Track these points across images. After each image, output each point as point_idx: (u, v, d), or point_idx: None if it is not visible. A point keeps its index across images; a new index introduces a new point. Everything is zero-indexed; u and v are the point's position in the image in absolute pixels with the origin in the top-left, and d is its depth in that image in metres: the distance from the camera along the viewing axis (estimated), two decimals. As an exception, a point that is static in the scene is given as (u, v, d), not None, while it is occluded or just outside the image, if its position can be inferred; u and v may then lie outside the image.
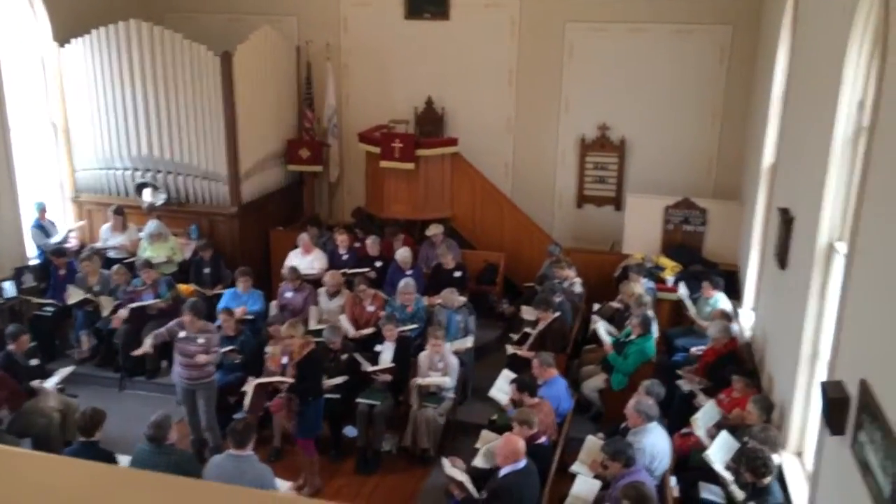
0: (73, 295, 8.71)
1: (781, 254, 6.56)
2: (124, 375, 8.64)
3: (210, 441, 7.22)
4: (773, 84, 8.09)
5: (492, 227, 10.62)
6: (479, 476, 5.87)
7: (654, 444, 5.90)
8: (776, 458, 5.37)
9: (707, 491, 5.65)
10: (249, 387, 6.90)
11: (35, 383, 7.15)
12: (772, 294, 7.25)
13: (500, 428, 6.40)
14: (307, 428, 6.78)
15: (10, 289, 8.96)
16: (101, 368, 8.81)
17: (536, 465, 5.70)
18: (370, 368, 7.48)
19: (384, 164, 10.15)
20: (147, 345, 7.50)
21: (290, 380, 6.76)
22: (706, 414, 6.34)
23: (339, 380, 7.38)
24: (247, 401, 6.81)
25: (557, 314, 8.07)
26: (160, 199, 10.10)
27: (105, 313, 8.69)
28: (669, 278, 9.36)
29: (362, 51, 11.42)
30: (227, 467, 5.38)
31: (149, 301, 8.62)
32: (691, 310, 8.57)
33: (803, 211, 6.06)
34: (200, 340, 7.06)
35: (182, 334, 7.11)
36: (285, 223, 11.07)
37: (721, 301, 8.39)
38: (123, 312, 8.47)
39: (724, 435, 5.80)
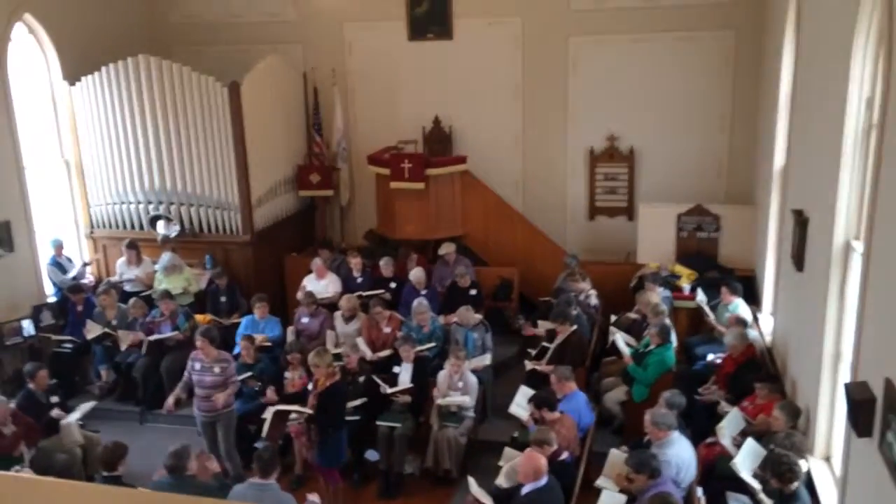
0: (92, 330, 8.76)
1: (798, 256, 6.50)
2: (144, 409, 8.66)
3: (230, 470, 7.19)
4: (779, 86, 8.06)
5: (504, 243, 10.59)
6: (504, 497, 5.82)
7: (679, 454, 5.82)
8: (803, 464, 5.28)
9: (735, 500, 5.55)
10: (268, 413, 6.86)
11: (55, 413, 7.17)
12: (790, 297, 7.17)
13: (523, 445, 6.33)
14: (330, 457, 6.74)
15: (28, 327, 9.04)
16: (122, 402, 8.84)
17: (560, 482, 5.64)
18: (389, 390, 7.44)
19: (394, 185, 10.18)
20: (170, 403, 7.45)
21: (309, 410, 6.69)
22: (731, 422, 6.25)
23: (357, 402, 7.35)
24: (265, 427, 6.77)
25: (575, 327, 8.01)
26: (174, 230, 10.18)
27: (124, 347, 8.73)
28: (686, 286, 9.28)
29: (368, 74, 11.50)
30: (247, 496, 5.35)
31: (167, 333, 8.65)
32: (711, 316, 8.49)
33: (817, 211, 6.01)
34: (216, 370, 7.07)
35: (197, 366, 7.10)
36: (299, 249, 11.11)
37: (740, 307, 8.30)
38: (140, 336, 8.56)
39: (750, 442, 5.71)
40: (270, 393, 7.60)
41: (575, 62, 10.77)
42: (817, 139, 6.11)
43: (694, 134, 10.52)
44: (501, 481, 6.04)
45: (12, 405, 6.93)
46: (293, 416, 7.01)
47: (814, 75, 6.43)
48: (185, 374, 7.27)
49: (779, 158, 8.17)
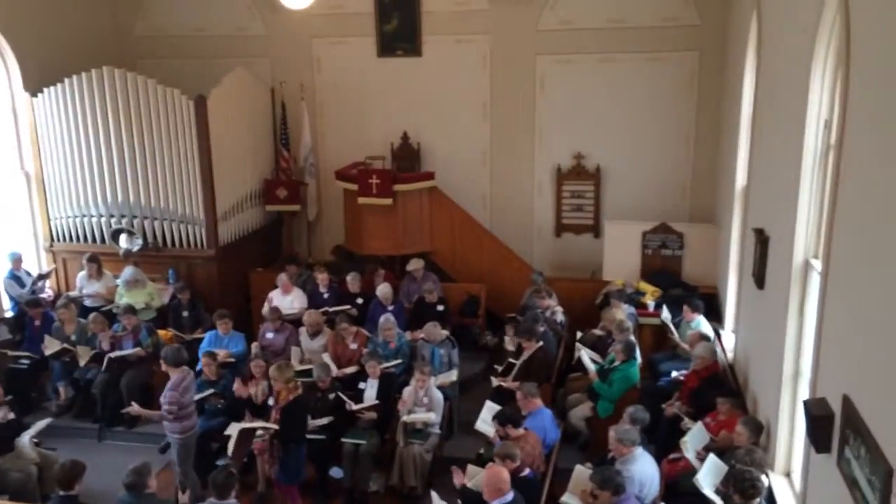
0: (50, 345, 8.56)
1: (759, 274, 6.61)
2: (103, 426, 8.47)
3: (189, 490, 7.00)
4: (741, 107, 8.23)
5: (472, 259, 10.62)
6: (474, 499, 5.78)
7: (643, 470, 5.86)
8: (765, 479, 5.34)
9: (698, 516, 5.59)
10: (234, 431, 6.74)
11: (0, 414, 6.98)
12: (751, 314, 7.29)
13: (488, 461, 6.30)
14: (289, 474, 6.65)
15: (-16, 342, 8.81)
16: (80, 419, 8.63)
17: (524, 498, 5.62)
18: (355, 407, 7.38)
19: (362, 200, 10.16)
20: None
21: (275, 426, 6.61)
22: (695, 436, 6.30)
23: (324, 420, 7.28)
24: (231, 446, 6.66)
25: (541, 343, 8.04)
26: (136, 244, 10.02)
27: (83, 363, 8.54)
28: (650, 303, 9.39)
29: (337, 89, 11.50)
30: (208, 516, 5.25)
31: (129, 350, 8.49)
32: (675, 334, 8.58)
33: (778, 230, 6.12)
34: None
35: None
36: (265, 264, 11.01)
37: (702, 324, 8.41)
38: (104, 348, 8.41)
39: (712, 458, 5.76)
40: (239, 384, 7.35)
41: (542, 80, 10.89)
42: (777, 160, 6.24)
43: (659, 153, 10.68)
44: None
45: (-35, 422, 6.73)
46: (259, 432, 6.91)
47: (774, 97, 6.58)
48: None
49: (740, 178, 8.33)
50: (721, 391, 6.84)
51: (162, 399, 6.79)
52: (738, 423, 6.05)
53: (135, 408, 7.20)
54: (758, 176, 7.34)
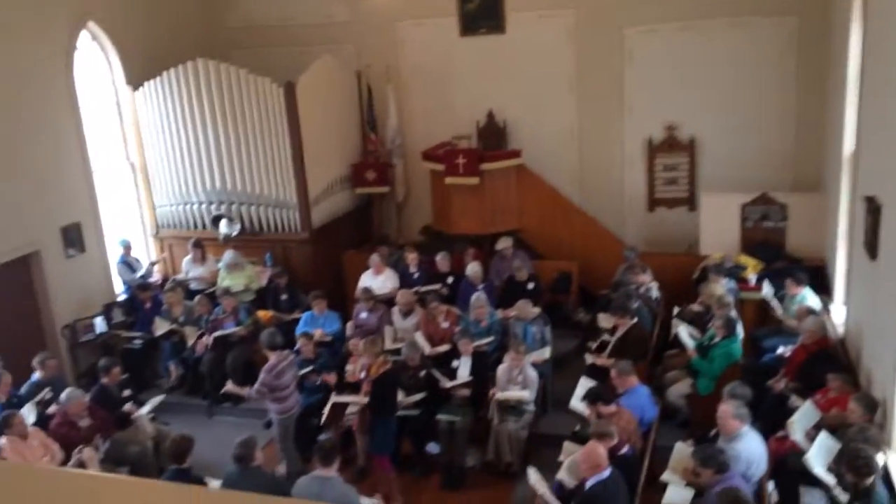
0: (160, 326, 9.01)
1: (871, 244, 6.26)
2: (212, 402, 8.86)
3: (287, 466, 7.26)
4: (847, 69, 7.77)
5: (562, 236, 10.49)
6: (568, 496, 5.77)
7: (749, 448, 5.67)
8: (879, 458, 5.09)
9: (809, 495, 5.40)
10: (328, 404, 6.96)
11: (127, 407, 7.43)
12: (864, 287, 6.91)
13: (583, 439, 6.24)
14: (380, 445, 6.86)
15: (100, 324, 9.36)
16: (190, 396, 9.06)
17: (623, 476, 5.55)
18: (448, 384, 7.46)
19: (449, 180, 10.18)
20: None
21: (365, 399, 6.79)
22: (804, 416, 6.05)
23: (417, 397, 7.39)
24: (324, 414, 6.88)
25: (635, 320, 7.89)
26: (235, 229, 10.39)
27: (190, 343, 8.95)
28: (752, 277, 9.02)
29: (421, 70, 11.53)
30: (311, 488, 5.43)
31: (230, 329, 8.84)
32: (777, 309, 8.24)
33: (891, 197, 5.77)
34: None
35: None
36: (356, 245, 11.21)
37: (808, 298, 8.04)
38: (207, 339, 8.73)
39: (823, 437, 5.53)
40: (329, 377, 7.78)
41: (630, 52, 10.58)
42: (889, 123, 5.86)
43: (757, 120, 10.20)
44: (563, 476, 5.98)
45: (86, 399, 7.17)
46: (350, 408, 7.10)
47: (884, 56, 6.17)
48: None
49: (848, 143, 7.88)
50: (831, 367, 6.54)
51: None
52: (850, 399, 5.77)
53: (230, 386, 7.51)
54: (868, 141, 6.93)
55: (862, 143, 7.23)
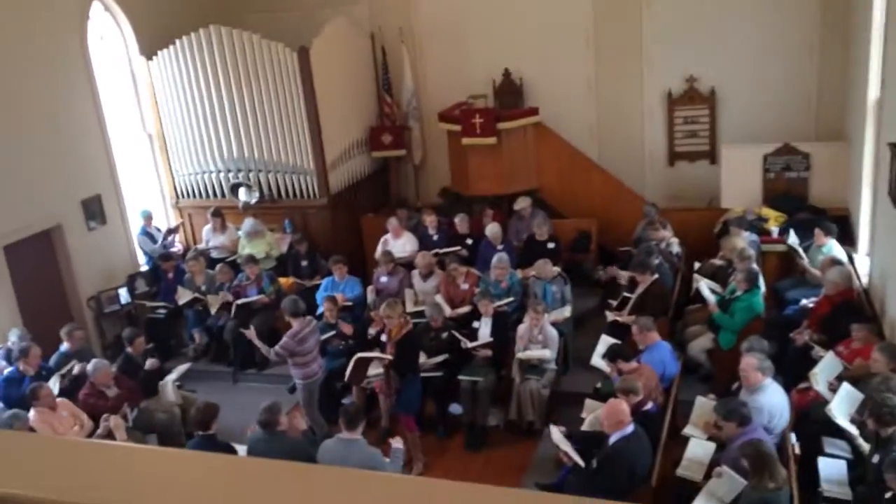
0: (183, 295, 9.11)
1: (896, 192, 6.12)
2: (237, 369, 8.99)
3: (315, 430, 7.34)
4: (872, 11, 7.52)
5: (581, 194, 10.38)
6: (591, 439, 5.80)
7: (771, 401, 5.64)
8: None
9: (831, 445, 5.38)
10: (352, 360, 7.00)
11: (148, 364, 7.54)
12: (889, 236, 6.79)
13: (605, 396, 6.27)
14: (406, 404, 6.95)
15: (124, 295, 9.50)
16: (215, 363, 9.19)
17: (646, 432, 5.57)
18: (469, 345, 7.48)
19: (466, 141, 10.10)
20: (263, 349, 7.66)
21: (389, 356, 6.87)
22: (826, 367, 6.01)
23: (439, 358, 7.43)
24: (347, 371, 6.95)
25: (656, 276, 7.83)
26: (254, 197, 10.43)
27: (213, 311, 9.05)
28: (774, 229, 8.90)
29: (435, 30, 11.36)
30: (336, 451, 5.50)
31: (253, 297, 8.92)
32: (804, 258, 8.12)
33: (917, 143, 5.62)
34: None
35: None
36: (375, 209, 11.20)
37: (834, 248, 7.92)
38: (228, 298, 8.88)
39: (846, 387, 5.49)
40: (347, 327, 7.93)
41: (649, 2, 10.33)
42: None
43: (779, 69, 9.96)
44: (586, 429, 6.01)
45: (113, 369, 7.31)
46: (372, 372, 7.16)
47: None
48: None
49: (873, 90, 7.68)
50: (856, 318, 6.46)
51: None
52: (874, 349, 5.70)
53: (251, 332, 7.58)
54: (893, 87, 6.74)
55: (888, 88, 7.03)
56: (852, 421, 5.27)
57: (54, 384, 7.01)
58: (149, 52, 10.42)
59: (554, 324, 7.71)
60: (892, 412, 4.77)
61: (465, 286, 8.55)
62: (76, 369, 7.42)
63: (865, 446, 5.10)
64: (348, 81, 10.89)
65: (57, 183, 9.01)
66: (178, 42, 10.23)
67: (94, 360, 7.19)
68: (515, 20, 10.88)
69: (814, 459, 5.31)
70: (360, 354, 6.99)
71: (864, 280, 7.70)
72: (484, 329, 7.69)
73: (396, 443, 5.88)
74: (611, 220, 10.05)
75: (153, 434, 7.18)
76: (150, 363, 7.57)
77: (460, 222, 9.69)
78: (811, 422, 5.74)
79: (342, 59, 10.73)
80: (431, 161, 11.85)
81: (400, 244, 9.57)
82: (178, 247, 10.63)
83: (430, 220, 9.81)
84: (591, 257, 9.78)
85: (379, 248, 9.51)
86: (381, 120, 11.50)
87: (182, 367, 7.93)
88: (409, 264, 9.18)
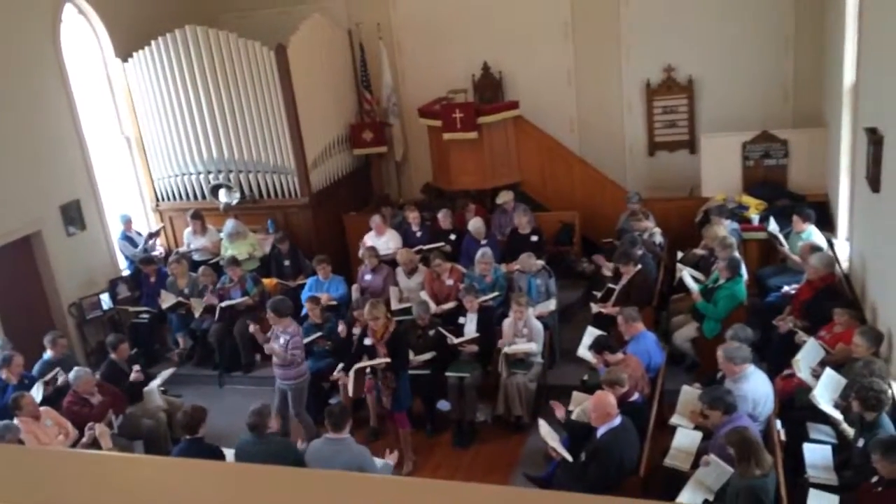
0: (166, 299, 9.04)
1: (873, 176, 6.18)
2: (222, 372, 8.94)
3: (303, 430, 7.27)
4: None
5: (563, 186, 10.40)
6: (580, 428, 5.82)
7: (755, 389, 5.69)
8: (890, 392, 5.10)
9: (816, 431, 5.43)
10: (351, 374, 6.88)
11: (133, 375, 7.42)
12: (867, 220, 6.85)
13: (592, 388, 6.29)
14: (402, 401, 6.92)
15: (106, 301, 9.43)
16: (200, 367, 9.13)
17: (633, 422, 5.60)
18: (456, 341, 7.48)
19: (447, 136, 10.08)
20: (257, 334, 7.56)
21: (388, 360, 6.81)
22: (808, 353, 6.06)
23: (427, 356, 7.42)
24: (351, 387, 6.88)
25: (639, 267, 7.86)
26: (235, 198, 10.35)
27: (197, 314, 8.98)
28: (754, 217, 8.97)
29: (413, 26, 11.32)
30: (324, 451, 5.49)
31: (237, 299, 8.86)
32: (785, 246, 8.19)
33: (893, 128, 5.67)
34: (281, 340, 7.16)
35: (272, 336, 7.22)
36: (357, 207, 11.17)
37: (813, 234, 7.98)
38: (213, 301, 8.80)
39: (829, 372, 5.55)
40: (342, 328, 7.78)
41: (625, -9, 10.36)
42: (890, 52, 5.73)
43: (756, 57, 10.01)
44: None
45: (97, 376, 7.24)
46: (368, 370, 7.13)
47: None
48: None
49: (849, 75, 7.73)
50: (837, 303, 6.52)
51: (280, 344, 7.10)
52: (855, 334, 5.76)
53: (255, 328, 7.52)
54: (868, 71, 6.80)
55: (863, 73, 7.09)
56: (836, 406, 5.32)
57: (37, 392, 6.94)
58: (124, 53, 10.30)
59: (539, 317, 7.72)
60: (878, 396, 4.82)
61: (450, 282, 8.54)
62: (60, 379, 7.34)
63: (850, 431, 5.15)
64: (327, 79, 10.83)
65: (34, 189, 8.89)
66: (153, 43, 10.12)
67: (75, 369, 7.10)
68: (494, 14, 10.86)
69: (799, 445, 5.36)
70: (357, 366, 6.90)
71: (845, 265, 7.76)
72: (469, 325, 7.69)
73: (391, 458, 5.86)
74: (593, 212, 10.09)
75: (139, 441, 7.13)
76: (134, 375, 7.49)
77: (443, 218, 9.68)
78: (796, 408, 5.79)
79: (320, 57, 10.67)
80: (413, 157, 11.82)
81: (383, 241, 9.55)
82: (159, 250, 10.54)
83: (413, 217, 9.79)
84: (574, 249, 9.81)
85: (362, 246, 9.48)
86: (362, 117, 11.46)
87: (167, 373, 7.88)
88: (393, 261, 9.15)
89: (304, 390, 7.35)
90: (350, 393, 6.96)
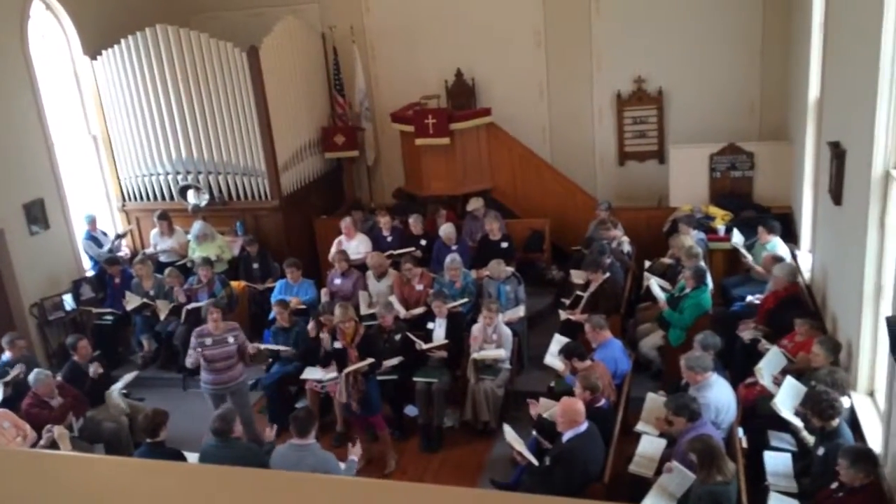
0: (131, 301, 8.90)
1: (836, 189, 6.32)
2: (186, 375, 8.80)
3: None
4: (812, 15, 7.75)
5: (534, 193, 10.46)
6: (549, 428, 5.84)
7: (717, 397, 5.77)
8: (844, 400, 5.20)
9: (777, 439, 5.52)
10: (342, 378, 6.85)
11: (91, 370, 7.30)
12: (829, 232, 7.00)
13: (559, 394, 6.33)
14: (376, 404, 6.94)
15: (69, 302, 9.25)
16: (164, 370, 9.00)
17: (598, 428, 5.64)
18: (424, 346, 7.47)
19: (419, 141, 10.09)
20: (189, 363, 7.37)
21: (366, 363, 6.80)
22: (770, 361, 6.16)
23: (394, 361, 7.40)
24: (343, 393, 6.83)
25: (607, 275, 7.93)
26: (204, 199, 10.24)
27: (163, 316, 8.86)
28: (720, 227, 9.11)
29: (387, 30, 11.33)
30: (289, 457, 5.44)
31: (204, 301, 8.75)
32: (748, 257, 8.33)
33: (855, 142, 5.81)
34: (230, 340, 7.07)
35: (209, 341, 7.08)
36: (328, 211, 11.11)
37: (778, 245, 8.13)
38: (181, 294, 8.75)
39: (789, 381, 5.63)
40: (311, 325, 7.60)
41: (598, 3, 10.47)
42: (853, 68, 5.87)
43: (724, 70, 10.20)
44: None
45: (58, 378, 7.10)
46: (325, 376, 7.08)
47: (847, 2, 6.15)
48: (194, 351, 7.14)
49: (813, 90, 7.90)
50: (800, 312, 6.64)
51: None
52: (814, 343, 5.87)
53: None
54: (832, 87, 6.95)
55: (827, 89, 7.25)
56: (797, 413, 5.41)
57: (-2, 393, 6.80)
58: (93, 51, 10.16)
59: (508, 323, 7.75)
60: (831, 405, 4.91)
61: (420, 287, 8.54)
62: (20, 372, 7.17)
63: (810, 439, 5.24)
64: (300, 82, 10.78)
65: (-3, 187, 8.72)
66: (123, 41, 9.99)
67: (35, 371, 6.94)
68: (467, 20, 10.92)
69: (761, 453, 5.44)
70: (347, 370, 6.84)
71: (808, 276, 7.91)
72: (439, 330, 7.69)
73: (353, 454, 5.82)
74: (563, 220, 10.16)
75: (100, 444, 7.00)
76: (93, 369, 7.34)
77: (414, 223, 9.68)
78: (758, 416, 5.88)
79: (293, 59, 10.62)
80: (385, 162, 11.81)
81: (353, 245, 9.52)
82: (125, 251, 10.39)
83: (383, 222, 9.78)
84: (544, 257, 9.87)
85: (332, 250, 9.44)
86: (334, 120, 11.42)
87: (129, 375, 7.74)
88: (363, 266, 9.13)
89: (247, 390, 7.34)
90: (343, 398, 6.90)
